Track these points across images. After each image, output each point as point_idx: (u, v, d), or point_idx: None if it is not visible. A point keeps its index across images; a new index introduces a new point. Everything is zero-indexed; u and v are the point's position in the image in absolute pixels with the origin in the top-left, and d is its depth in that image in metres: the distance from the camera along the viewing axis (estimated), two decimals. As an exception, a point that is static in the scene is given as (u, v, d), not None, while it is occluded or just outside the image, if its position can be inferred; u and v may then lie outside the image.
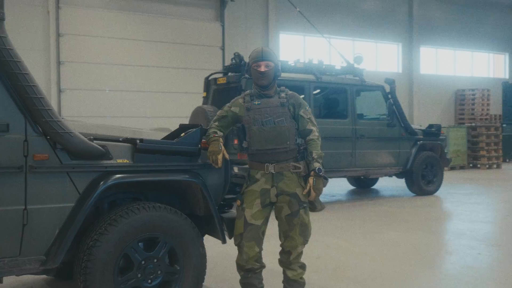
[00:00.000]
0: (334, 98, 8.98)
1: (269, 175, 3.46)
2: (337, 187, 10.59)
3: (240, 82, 7.80)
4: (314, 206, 3.55)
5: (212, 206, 3.48)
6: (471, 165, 15.27)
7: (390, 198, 9.32)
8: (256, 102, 3.50)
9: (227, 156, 3.44)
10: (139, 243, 3.24)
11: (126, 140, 3.32)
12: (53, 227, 3.01)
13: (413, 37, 21.25)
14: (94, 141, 3.12)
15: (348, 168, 8.59)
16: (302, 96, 8.10)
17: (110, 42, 14.91)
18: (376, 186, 10.80)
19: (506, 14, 24.09)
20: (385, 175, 9.37)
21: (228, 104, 3.63)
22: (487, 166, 15.03)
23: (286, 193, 3.45)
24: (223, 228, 3.58)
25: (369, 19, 19.87)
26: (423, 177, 9.46)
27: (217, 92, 8.51)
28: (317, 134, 3.54)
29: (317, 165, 3.44)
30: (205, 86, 8.81)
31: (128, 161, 3.22)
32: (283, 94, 3.53)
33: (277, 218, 3.55)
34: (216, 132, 3.50)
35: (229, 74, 8.58)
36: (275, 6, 17.48)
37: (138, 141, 3.23)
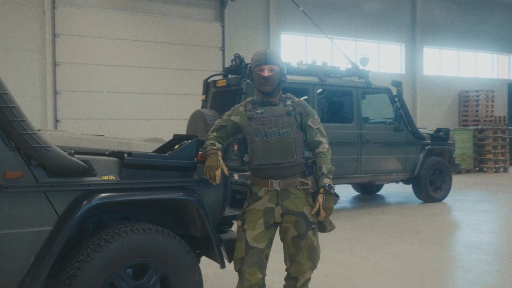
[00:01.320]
0: (338, 101, 8.62)
1: (274, 192, 3.09)
2: (342, 193, 10.18)
3: (241, 85, 7.44)
4: (324, 226, 3.18)
5: (209, 226, 3.10)
6: (477, 168, 14.90)
7: (397, 206, 8.94)
8: (259, 111, 3.13)
9: (226, 171, 3.07)
10: (127, 270, 2.87)
11: (112, 154, 2.95)
12: (28, 254, 2.64)
13: (416, 38, 20.96)
14: (76, 156, 2.75)
15: (354, 174, 8.21)
16: (304, 97, 7.87)
17: (107, 42, 14.56)
18: (381, 192, 10.43)
19: (510, 14, 23.77)
20: (392, 181, 8.99)
21: (227, 113, 3.26)
22: (493, 170, 14.65)
23: (293, 212, 3.08)
24: (221, 250, 3.20)
25: (372, 19, 19.56)
26: (431, 183, 9.09)
27: (217, 95, 8.14)
28: (327, 146, 3.17)
29: (327, 181, 3.07)
30: (204, 88, 8.44)
31: (114, 178, 2.85)
32: (289, 102, 3.16)
33: (282, 240, 3.18)
34: (214, 144, 3.13)
35: (229, 76, 8.22)
36: (276, 6, 17.14)
37: (125, 155, 2.86)
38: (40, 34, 13.79)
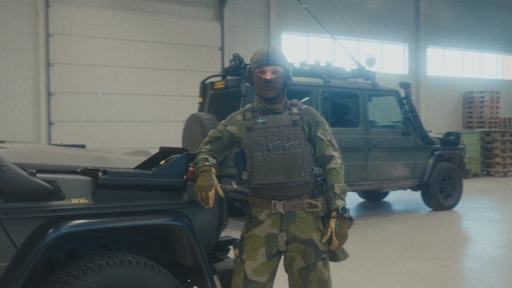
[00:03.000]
0: (344, 104, 8.15)
1: (277, 216, 2.62)
2: (346, 199, 9.71)
3: (240, 87, 6.97)
4: (336, 256, 2.71)
5: (201, 256, 2.62)
6: (484, 172, 14.42)
7: (405, 214, 8.46)
8: (260, 120, 2.65)
9: (221, 192, 2.59)
10: (102, 312, 2.40)
11: (85, 172, 2.48)
12: (-22, 296, 2.17)
13: (420, 38, 20.62)
14: (39, 175, 2.28)
15: (360, 181, 7.74)
16: (306, 98, 7.37)
17: (102, 42, 14.15)
18: (387, 198, 9.96)
19: (515, 14, 23.43)
20: (400, 188, 8.52)
21: (223, 122, 2.78)
22: (502, 174, 14.18)
23: (300, 240, 2.61)
24: (215, 284, 2.72)
25: (375, 19, 19.21)
26: (441, 190, 8.62)
27: (215, 97, 7.67)
28: (339, 161, 2.70)
29: (340, 203, 2.60)
30: (201, 90, 7.97)
31: (86, 201, 2.38)
32: (295, 109, 2.68)
33: (287, 271, 2.70)
34: (206, 159, 2.66)
35: (228, 77, 7.75)
36: (277, 5, 16.72)
37: (100, 174, 2.38)
38: (33, 33, 13.37)
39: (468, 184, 11.86)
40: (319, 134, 2.68)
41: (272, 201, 2.62)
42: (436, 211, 8.55)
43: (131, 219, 2.48)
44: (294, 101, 2.73)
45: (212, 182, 2.53)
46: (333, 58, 16.57)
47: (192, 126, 7.08)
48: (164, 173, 2.57)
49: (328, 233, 2.59)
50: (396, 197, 10.00)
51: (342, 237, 2.59)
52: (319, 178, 2.72)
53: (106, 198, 2.41)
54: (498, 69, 23.85)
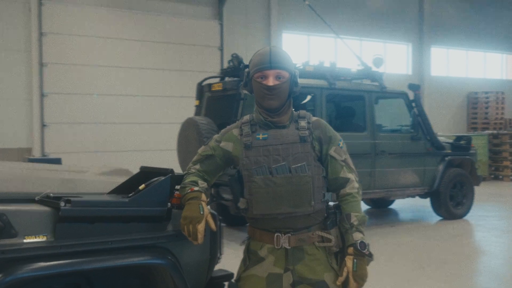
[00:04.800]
0: (349, 107, 7.68)
1: (281, 252, 2.16)
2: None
3: (239, 89, 6.51)
4: (352, 299, 2.23)
5: (189, 299, 2.16)
6: (492, 176, 13.95)
7: (414, 224, 7.99)
8: (261, 136, 2.18)
9: (213, 225, 2.13)
10: None
11: (44, 201, 2.02)
12: None
13: (423, 37, 20.28)
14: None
15: (367, 190, 7.25)
16: (307, 98, 6.93)
17: (98, 42, 13.75)
18: (393, 205, 9.49)
19: (520, 13, 23.10)
20: (408, 196, 8.05)
21: (216, 137, 2.31)
22: (511, 178, 13.70)
23: (309, 281, 2.14)
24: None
25: (377, 18, 18.83)
26: (452, 198, 8.15)
27: (212, 100, 7.21)
28: (356, 185, 2.24)
29: (358, 236, 2.14)
30: (197, 93, 7.51)
31: (45, 238, 1.92)
32: (303, 123, 2.20)
33: (293, 318, 2.24)
34: (195, 183, 2.19)
35: (226, 79, 7.29)
36: (278, 3, 16.30)
37: (62, 203, 1.92)
38: (26, 32, 12.96)
39: (476, 189, 11.39)
40: (332, 152, 2.22)
41: (276, 234, 2.15)
42: (447, 220, 8.08)
43: (102, 259, 2.01)
44: (302, 112, 2.26)
45: (201, 213, 2.06)
46: (335, 58, 16.12)
47: (188, 131, 6.62)
48: (144, 201, 2.11)
49: (344, 274, 2.12)
50: (403, 204, 9.53)
51: (361, 279, 2.12)
52: (331, 206, 2.25)
53: (70, 234, 1.96)
54: (503, 69, 23.55)
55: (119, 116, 13.88)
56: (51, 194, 2.04)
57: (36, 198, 2.04)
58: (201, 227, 2.04)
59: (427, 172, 7.89)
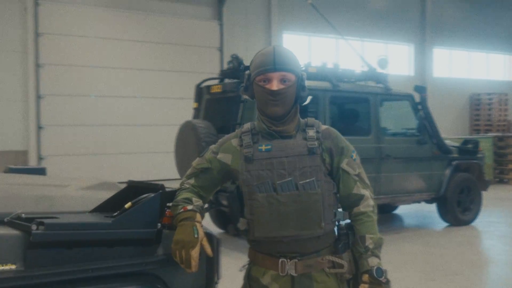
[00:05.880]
0: (354, 110, 7.43)
1: (287, 280, 1.89)
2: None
3: (239, 91, 6.23)
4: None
5: (182, 332, 1.90)
6: (497, 179, 13.67)
7: (420, 231, 7.72)
8: (263, 147, 1.92)
9: (209, 251, 1.86)
10: None
11: (14, 223, 1.75)
12: None
13: (426, 38, 20.12)
14: None
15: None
16: (310, 97, 6.57)
17: (95, 42, 13.57)
18: (397, 210, 9.21)
19: (523, 14, 22.92)
20: (414, 202, 7.79)
21: (212, 148, 2.05)
22: (516, 181, 13.43)
23: (318, 313, 1.88)
24: None
25: (379, 18, 18.66)
26: (459, 203, 7.87)
27: (211, 103, 6.94)
28: (371, 202, 1.98)
29: (374, 261, 1.89)
30: (196, 95, 7.24)
31: (14, 267, 1.65)
32: (311, 132, 1.94)
33: None
34: (189, 201, 1.93)
35: (226, 80, 7.03)
36: (278, 3, 16.07)
37: (34, 226, 1.66)
38: (22, 33, 12.81)
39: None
40: (344, 165, 1.95)
41: (280, 259, 1.89)
42: (454, 227, 7.81)
43: (80, 290, 1.75)
44: (310, 120, 1.99)
45: (196, 236, 1.80)
46: (336, 59, 15.89)
47: (186, 135, 6.35)
48: (130, 221, 1.85)
49: (359, 305, 1.86)
50: (408, 210, 9.25)
51: (378, 310, 1.86)
52: (343, 226, 1.99)
53: (44, 261, 1.69)
54: (506, 70, 23.36)
55: (117, 118, 13.69)
56: (23, 215, 1.78)
57: (6, 220, 1.77)
58: (195, 252, 1.78)
59: (433, 177, 7.63)
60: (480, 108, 20.65)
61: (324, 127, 2.00)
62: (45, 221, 1.68)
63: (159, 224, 1.93)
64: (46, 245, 1.69)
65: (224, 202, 6.10)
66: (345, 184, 1.95)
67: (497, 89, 21.12)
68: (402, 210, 9.21)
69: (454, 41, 20.92)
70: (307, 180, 1.85)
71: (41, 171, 2.88)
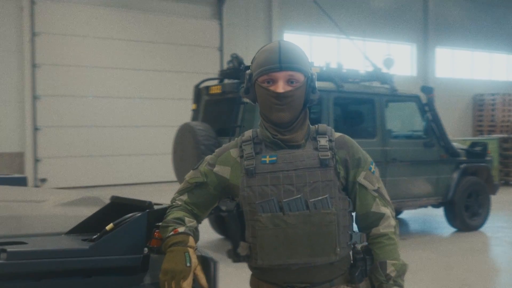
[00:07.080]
0: (358, 111, 7.16)
1: (295, 313, 1.62)
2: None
3: (239, 92, 5.97)
4: None
5: None
6: (503, 182, 13.40)
7: (427, 237, 7.45)
8: (268, 158, 1.63)
9: (204, 282, 1.58)
10: None
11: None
12: None
13: (428, 37, 19.95)
14: None
15: (377, 201, 6.73)
16: (316, 96, 6.32)
17: (93, 42, 13.38)
18: (402, 215, 8.94)
19: (526, 13, 22.76)
20: (421, 207, 7.52)
21: (208, 159, 1.76)
22: (522, 184, 13.17)
23: None
24: None
25: (381, 18, 18.49)
26: (467, 208, 7.60)
27: (210, 104, 6.68)
28: (393, 222, 1.71)
29: (397, 292, 1.60)
30: (194, 96, 6.99)
31: (-29, 304, 1.39)
32: (323, 141, 1.66)
33: None
34: (181, 221, 1.64)
35: (225, 81, 6.77)
36: (279, 2, 15.83)
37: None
38: (18, 32, 12.63)
39: (489, 197, 10.89)
40: (361, 179, 1.68)
41: (287, 290, 1.62)
42: (461, 232, 7.53)
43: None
44: (322, 127, 1.71)
45: (188, 264, 1.53)
46: (338, 58, 15.65)
47: (184, 138, 6.09)
48: (111, 246, 1.58)
49: None
50: (413, 214, 8.97)
51: None
52: (358, 245, 1.72)
53: (8, 295, 1.42)
54: (509, 70, 23.15)
55: (115, 119, 13.50)
56: (-14, 239, 1.51)
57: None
58: (187, 285, 1.50)
59: (440, 181, 7.35)
60: (483, 108, 20.44)
61: (337, 134, 1.73)
62: (8, 248, 1.41)
63: (146, 249, 1.66)
64: (9, 277, 1.42)
65: (224, 208, 5.84)
66: (363, 201, 1.68)
67: (500, 89, 20.97)
68: (407, 214, 8.94)
69: (457, 40, 20.75)
70: (319, 198, 1.58)
71: (21, 181, 2.61)
